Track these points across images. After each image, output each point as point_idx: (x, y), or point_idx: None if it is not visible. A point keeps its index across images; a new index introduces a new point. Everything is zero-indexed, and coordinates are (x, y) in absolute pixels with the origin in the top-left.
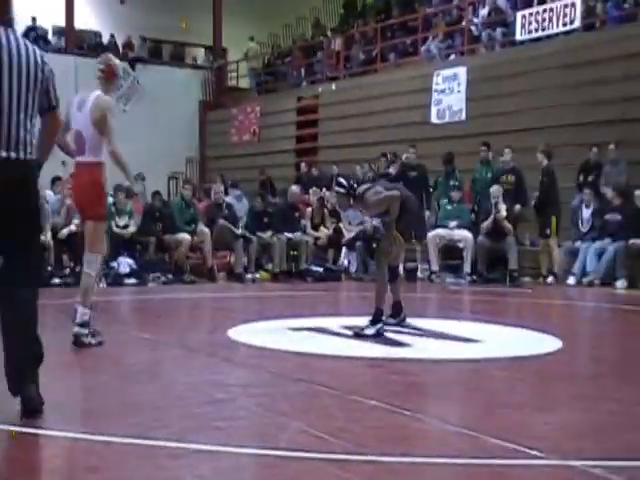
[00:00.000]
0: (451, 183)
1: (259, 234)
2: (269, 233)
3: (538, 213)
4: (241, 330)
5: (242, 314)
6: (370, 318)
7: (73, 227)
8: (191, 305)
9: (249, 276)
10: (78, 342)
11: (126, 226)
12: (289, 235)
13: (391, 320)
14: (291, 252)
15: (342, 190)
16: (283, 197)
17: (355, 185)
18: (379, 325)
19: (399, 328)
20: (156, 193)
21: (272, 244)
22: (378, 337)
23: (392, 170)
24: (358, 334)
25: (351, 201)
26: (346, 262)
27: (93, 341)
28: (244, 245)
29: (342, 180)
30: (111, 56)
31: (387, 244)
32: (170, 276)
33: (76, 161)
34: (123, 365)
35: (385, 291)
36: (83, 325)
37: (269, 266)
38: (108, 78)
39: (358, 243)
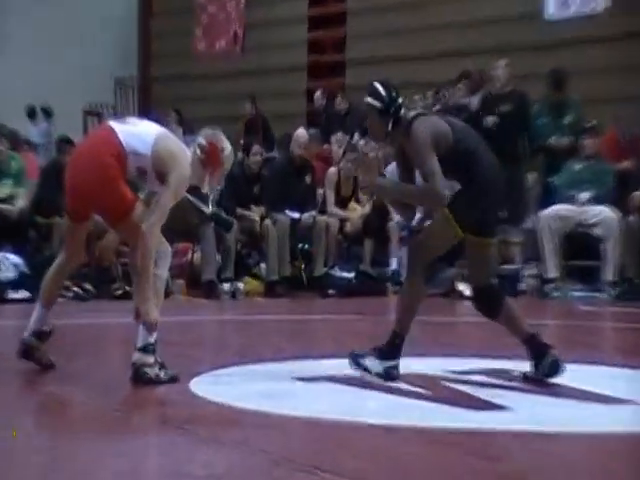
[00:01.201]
0: (565, 122)
1: (242, 213)
2: (259, 211)
3: None
4: (211, 380)
5: (213, 353)
6: (381, 345)
7: None
8: (122, 337)
9: (226, 287)
10: (141, 375)
11: (10, 198)
12: (294, 215)
13: (531, 373)
14: (299, 245)
15: (377, 103)
16: (284, 150)
17: (399, 99)
18: (391, 363)
19: (486, 378)
20: (64, 141)
21: (265, 231)
22: (386, 379)
23: (471, 101)
24: (352, 359)
25: (389, 127)
26: (395, 264)
27: (162, 375)
28: (216, 233)
29: (378, 86)
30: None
31: (429, 236)
32: (88, 286)
33: None
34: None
35: (414, 309)
36: (147, 350)
37: (260, 269)
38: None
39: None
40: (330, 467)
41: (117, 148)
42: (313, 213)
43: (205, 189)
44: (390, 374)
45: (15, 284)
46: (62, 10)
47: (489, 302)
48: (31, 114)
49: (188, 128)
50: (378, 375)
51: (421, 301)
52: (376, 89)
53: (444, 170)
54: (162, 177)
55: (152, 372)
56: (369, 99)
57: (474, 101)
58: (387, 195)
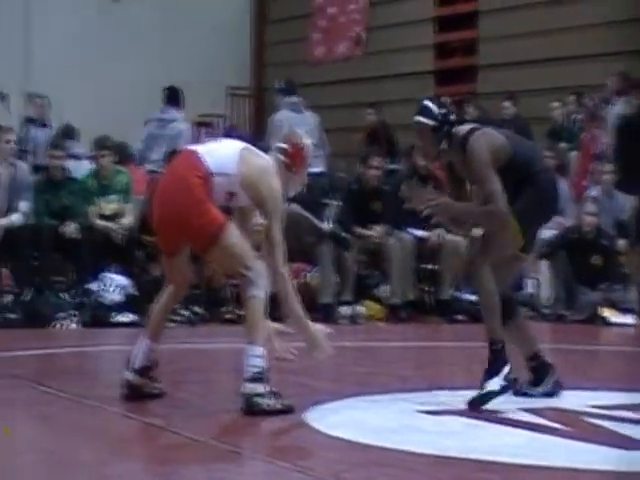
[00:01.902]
0: None
1: (361, 232)
2: (381, 230)
3: None
4: (330, 411)
5: (331, 382)
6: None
7: (17, 217)
8: (233, 363)
9: (345, 310)
10: (252, 406)
11: (115, 216)
12: (419, 233)
13: (530, 390)
14: (423, 266)
15: (429, 121)
16: (408, 162)
17: (452, 115)
18: (505, 369)
19: (632, 414)
20: (172, 153)
21: (387, 251)
22: (503, 392)
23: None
24: (475, 401)
25: (442, 145)
26: (530, 286)
27: (277, 405)
28: (334, 252)
29: (429, 103)
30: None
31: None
32: (197, 309)
33: None
34: None
35: (495, 309)
36: (257, 379)
37: (382, 292)
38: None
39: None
40: None
41: (201, 169)
42: (438, 231)
43: (291, 193)
44: (509, 380)
45: (121, 307)
46: (174, 18)
47: (507, 306)
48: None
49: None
50: (501, 390)
51: (497, 297)
52: (427, 107)
53: (504, 181)
54: (253, 194)
55: (264, 402)
56: (420, 117)
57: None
58: (452, 214)
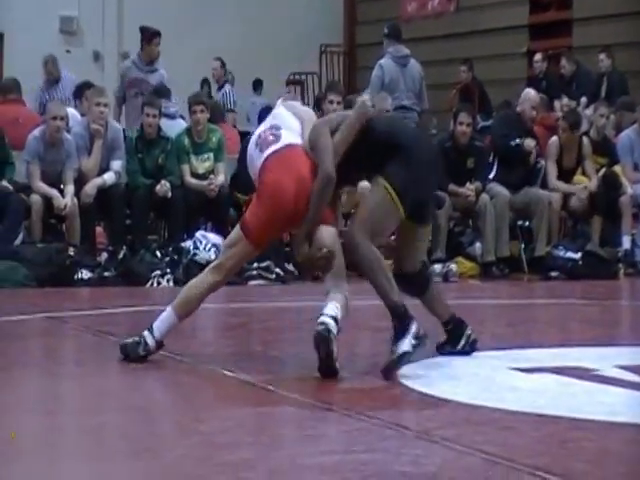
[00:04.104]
0: None
1: (454, 189)
2: (473, 186)
3: None
4: (422, 369)
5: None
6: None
7: (110, 176)
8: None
9: (437, 268)
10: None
11: (208, 173)
12: (512, 191)
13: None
14: (518, 222)
15: None
16: (501, 118)
17: None
18: (412, 328)
19: None
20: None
21: (481, 207)
22: (416, 350)
23: None
24: (388, 367)
25: None
26: (628, 243)
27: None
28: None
29: None
30: None
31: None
32: (290, 267)
33: None
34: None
35: (382, 268)
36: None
37: (474, 249)
38: None
39: None
40: (554, 469)
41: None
42: (533, 189)
43: None
44: (420, 338)
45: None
46: None
47: (417, 286)
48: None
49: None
50: (413, 348)
51: (382, 259)
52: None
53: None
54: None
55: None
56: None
57: None
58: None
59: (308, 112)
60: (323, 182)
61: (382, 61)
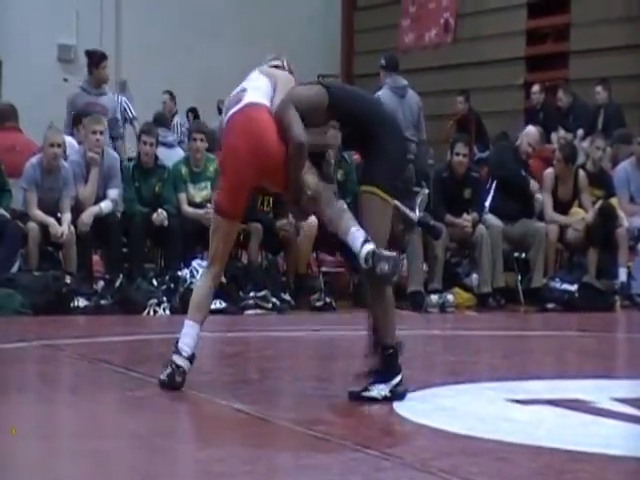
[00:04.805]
0: None
1: (451, 219)
2: (470, 217)
3: None
4: (419, 400)
5: (420, 370)
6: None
7: (107, 204)
8: (320, 351)
9: (434, 298)
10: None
11: (205, 202)
12: (509, 222)
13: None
14: (515, 254)
15: None
16: (500, 149)
17: None
18: (396, 379)
19: None
20: None
21: (477, 238)
22: (396, 399)
23: None
24: (354, 395)
25: None
26: (624, 275)
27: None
28: (423, 240)
29: None
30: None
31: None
32: (286, 297)
33: None
34: None
35: (391, 314)
36: None
37: (472, 280)
38: None
39: None
40: None
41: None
42: (530, 221)
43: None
44: (396, 392)
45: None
46: (265, 5)
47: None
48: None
49: None
50: (382, 399)
51: (393, 303)
52: None
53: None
54: None
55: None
56: None
57: None
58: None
59: (285, 75)
60: (295, 150)
61: (380, 92)
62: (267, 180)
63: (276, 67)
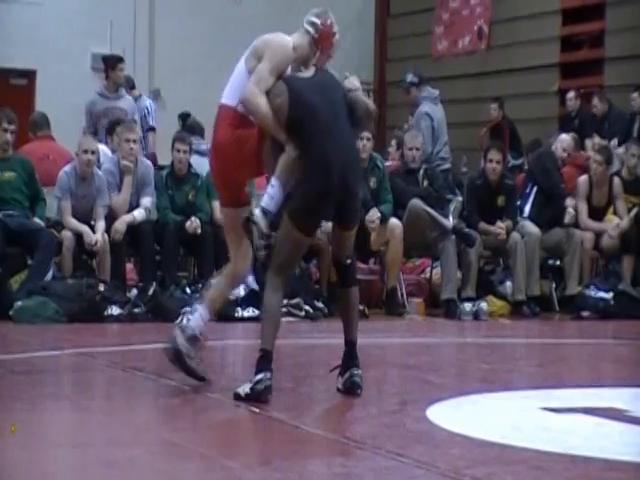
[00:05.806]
0: None
1: (485, 227)
2: (504, 225)
3: None
4: (452, 408)
5: (454, 378)
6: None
7: (140, 212)
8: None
9: (467, 306)
10: None
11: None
12: (543, 230)
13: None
14: (549, 261)
15: None
16: (541, 155)
17: None
18: (258, 377)
19: None
20: None
21: (512, 246)
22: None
23: None
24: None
25: None
26: None
27: None
28: (457, 249)
29: None
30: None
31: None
32: (319, 304)
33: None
34: None
35: (275, 322)
36: None
37: (505, 288)
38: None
39: None
40: None
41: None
42: (561, 230)
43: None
44: (256, 390)
45: (244, 301)
46: (297, 14)
47: (344, 277)
48: None
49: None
50: (247, 396)
51: (279, 309)
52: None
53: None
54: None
55: None
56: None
57: None
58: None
59: (277, 43)
60: (249, 106)
61: (426, 109)
62: (244, 172)
63: (312, 24)
